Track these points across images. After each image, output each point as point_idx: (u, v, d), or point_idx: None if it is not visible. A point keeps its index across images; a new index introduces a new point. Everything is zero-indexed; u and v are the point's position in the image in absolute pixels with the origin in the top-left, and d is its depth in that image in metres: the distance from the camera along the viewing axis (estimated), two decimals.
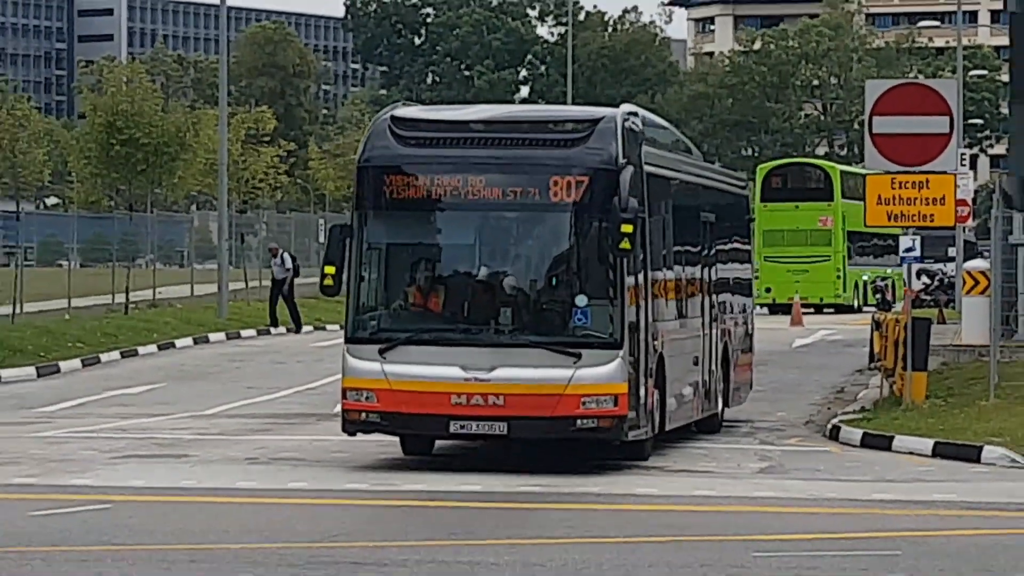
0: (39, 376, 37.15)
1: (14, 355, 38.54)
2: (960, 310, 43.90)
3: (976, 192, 50.82)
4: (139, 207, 61.69)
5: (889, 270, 60.44)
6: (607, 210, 18.95)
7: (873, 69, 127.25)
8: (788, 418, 29.75)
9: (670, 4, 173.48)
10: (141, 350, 43.23)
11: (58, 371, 38.22)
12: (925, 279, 53.73)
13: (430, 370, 19.15)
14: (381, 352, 19.29)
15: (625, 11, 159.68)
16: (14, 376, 36.45)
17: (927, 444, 24.55)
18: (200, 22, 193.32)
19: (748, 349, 28.99)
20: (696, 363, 23.85)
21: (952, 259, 57.22)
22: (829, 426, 27.77)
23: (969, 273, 41.67)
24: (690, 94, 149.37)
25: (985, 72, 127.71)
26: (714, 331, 25.08)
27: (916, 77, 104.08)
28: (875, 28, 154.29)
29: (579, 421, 19.06)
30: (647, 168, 20.25)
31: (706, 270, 25.04)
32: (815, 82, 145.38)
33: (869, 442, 25.64)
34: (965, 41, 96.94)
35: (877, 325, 34.20)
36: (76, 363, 39.44)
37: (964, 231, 49.09)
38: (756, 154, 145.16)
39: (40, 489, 19.92)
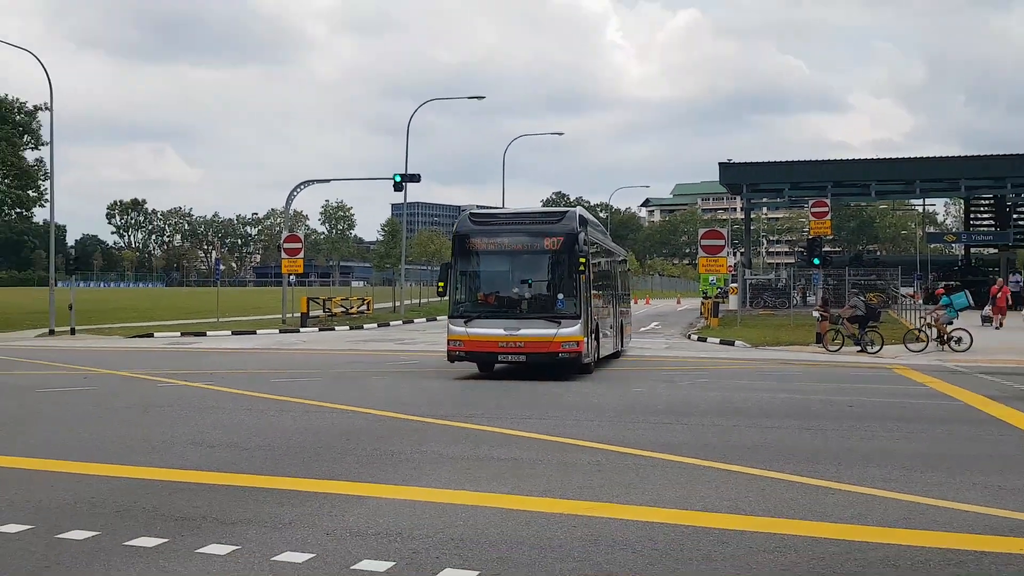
0: (378, 327, 34.82)
1: (370, 321, 36.75)
2: (728, 300, 42.17)
3: (735, 263, 52.34)
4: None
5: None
6: (573, 252, 16.14)
7: (703, 226, 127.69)
8: (675, 332, 30.78)
9: (641, 206, 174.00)
10: (410, 323, 38.13)
11: (388, 325, 35.83)
12: (719, 288, 55.97)
13: (488, 331, 16.14)
14: (465, 323, 16.31)
15: (626, 208, 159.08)
16: (367, 327, 34.28)
17: (717, 340, 25.61)
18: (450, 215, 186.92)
19: (630, 323, 24.24)
20: (611, 328, 20.02)
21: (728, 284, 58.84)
22: (688, 335, 28.57)
23: (733, 287, 42.07)
24: (644, 234, 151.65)
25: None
26: (616, 312, 20.92)
27: (716, 227, 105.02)
28: (703, 213, 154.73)
29: (560, 354, 15.96)
30: (588, 235, 17.06)
31: (611, 284, 20.68)
32: (687, 230, 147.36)
33: (700, 339, 26.52)
34: (732, 216, 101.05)
35: (703, 303, 35.32)
36: (390, 325, 36.21)
37: (731, 276, 50.30)
38: (669, 255, 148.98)
39: (368, 364, 19.11)
